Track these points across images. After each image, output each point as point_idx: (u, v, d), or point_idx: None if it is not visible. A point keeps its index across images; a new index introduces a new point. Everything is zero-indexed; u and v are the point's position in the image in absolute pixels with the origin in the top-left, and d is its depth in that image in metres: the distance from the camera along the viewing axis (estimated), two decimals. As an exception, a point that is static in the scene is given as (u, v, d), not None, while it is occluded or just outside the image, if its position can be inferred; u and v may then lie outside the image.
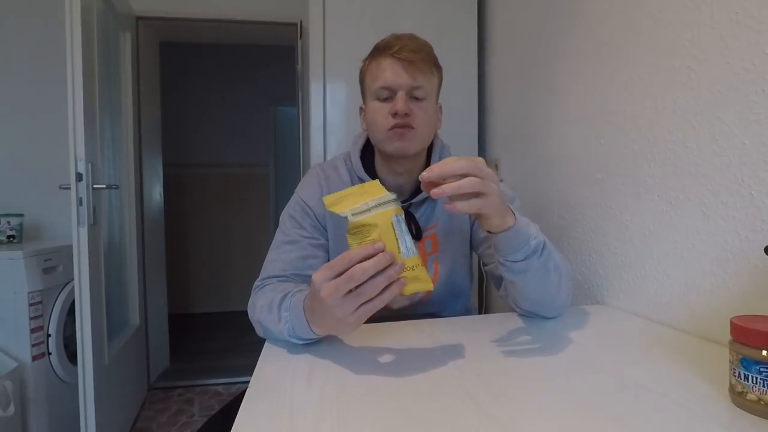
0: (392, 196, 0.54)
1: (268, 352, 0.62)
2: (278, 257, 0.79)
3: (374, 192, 0.54)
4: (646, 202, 0.79)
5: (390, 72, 0.76)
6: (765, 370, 0.40)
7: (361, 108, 0.87)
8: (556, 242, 1.05)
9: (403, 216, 0.54)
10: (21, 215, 1.79)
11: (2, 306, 1.46)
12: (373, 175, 0.85)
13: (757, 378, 0.41)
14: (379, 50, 0.78)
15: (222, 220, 3.75)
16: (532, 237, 0.62)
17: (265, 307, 0.66)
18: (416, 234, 0.83)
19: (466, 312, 0.92)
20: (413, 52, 0.75)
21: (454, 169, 0.53)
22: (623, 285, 0.85)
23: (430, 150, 0.86)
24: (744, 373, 0.42)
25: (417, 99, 0.77)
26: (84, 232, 1.41)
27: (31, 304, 1.48)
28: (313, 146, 1.41)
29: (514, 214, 0.61)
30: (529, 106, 1.21)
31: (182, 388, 2.31)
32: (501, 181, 0.89)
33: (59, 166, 1.85)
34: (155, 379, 2.38)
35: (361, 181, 0.85)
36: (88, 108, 1.43)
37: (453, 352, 0.60)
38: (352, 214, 0.51)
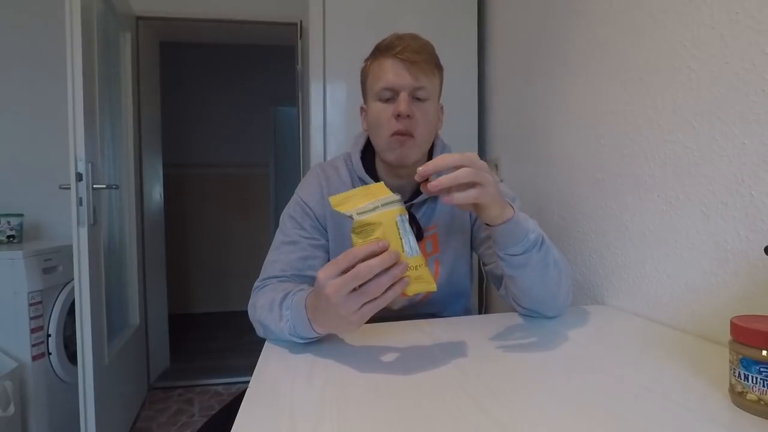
0: (397, 197, 0.55)
1: (268, 352, 0.62)
2: (278, 258, 0.79)
3: (379, 193, 0.55)
4: (646, 202, 0.79)
5: (392, 73, 0.75)
6: (765, 370, 0.40)
7: (362, 108, 0.87)
8: (556, 242, 1.05)
9: (407, 216, 0.54)
10: (21, 215, 1.79)
11: (2, 306, 1.46)
12: (373, 175, 0.85)
13: (757, 378, 0.41)
14: (381, 50, 0.78)
15: (222, 220, 3.75)
16: (531, 231, 0.63)
17: (266, 306, 0.66)
18: (417, 234, 0.83)
19: (466, 312, 0.92)
20: (416, 52, 0.74)
21: (448, 162, 0.54)
22: (623, 285, 0.85)
23: (431, 151, 0.86)
24: (744, 373, 0.42)
25: (419, 100, 0.77)
26: (84, 232, 1.41)
27: (31, 304, 1.48)
28: (313, 146, 1.41)
29: (512, 207, 0.62)
30: (529, 106, 1.21)
31: (182, 388, 2.31)
32: (501, 181, 0.89)
33: (59, 166, 1.85)
34: (155, 379, 2.38)
35: (362, 181, 0.85)
36: (88, 108, 1.43)
37: (453, 352, 0.60)
38: (357, 213, 0.52)
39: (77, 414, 1.44)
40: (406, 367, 0.56)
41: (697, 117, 0.68)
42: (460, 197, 0.54)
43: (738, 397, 0.43)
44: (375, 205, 0.53)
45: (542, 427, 0.40)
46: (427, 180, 0.55)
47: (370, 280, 0.49)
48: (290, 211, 0.84)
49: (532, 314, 0.75)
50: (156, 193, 2.52)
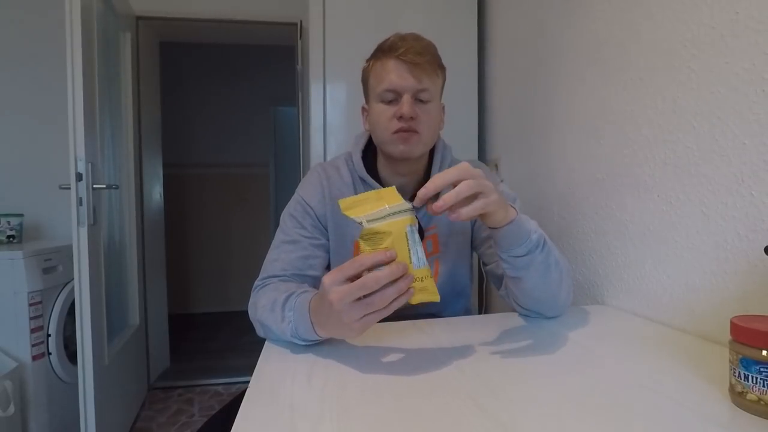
0: (408, 204, 0.54)
1: (268, 352, 0.62)
2: (278, 257, 0.79)
3: (391, 199, 0.54)
4: (646, 202, 0.79)
5: (395, 74, 0.75)
6: (765, 370, 0.40)
7: (363, 108, 0.87)
8: (556, 242, 1.05)
9: (417, 226, 0.53)
10: (21, 215, 1.79)
11: (2, 306, 1.46)
12: (374, 175, 0.85)
13: (757, 378, 0.41)
14: (384, 51, 0.77)
15: (222, 220, 3.75)
16: (533, 231, 0.63)
17: (268, 306, 0.66)
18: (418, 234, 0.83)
19: (466, 312, 0.92)
20: (418, 54, 0.74)
21: (446, 179, 0.53)
22: (623, 285, 0.85)
23: (432, 151, 0.86)
24: (744, 373, 0.42)
25: (422, 101, 0.77)
26: (84, 232, 1.41)
27: (31, 304, 1.48)
28: (313, 146, 1.41)
29: (515, 208, 0.62)
30: (529, 106, 1.21)
31: (182, 388, 2.31)
32: (501, 181, 0.89)
33: (59, 166, 1.85)
34: (155, 379, 2.38)
35: (363, 180, 0.85)
36: (88, 108, 1.43)
37: (453, 352, 0.60)
38: (367, 221, 0.51)
39: (77, 414, 1.44)
40: (406, 367, 0.56)
41: (697, 117, 0.68)
42: (466, 212, 0.53)
43: (738, 397, 0.43)
44: (385, 213, 0.52)
45: (542, 427, 0.40)
46: (431, 195, 0.54)
47: (375, 291, 0.49)
48: (291, 210, 0.84)
49: (532, 314, 0.75)
50: (156, 193, 2.52)
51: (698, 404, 0.44)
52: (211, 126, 3.71)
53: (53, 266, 1.61)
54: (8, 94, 1.98)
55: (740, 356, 0.42)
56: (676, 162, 0.72)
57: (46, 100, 1.98)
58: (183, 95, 3.64)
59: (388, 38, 0.78)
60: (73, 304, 1.56)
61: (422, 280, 0.52)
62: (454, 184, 0.53)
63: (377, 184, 0.83)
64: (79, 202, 1.40)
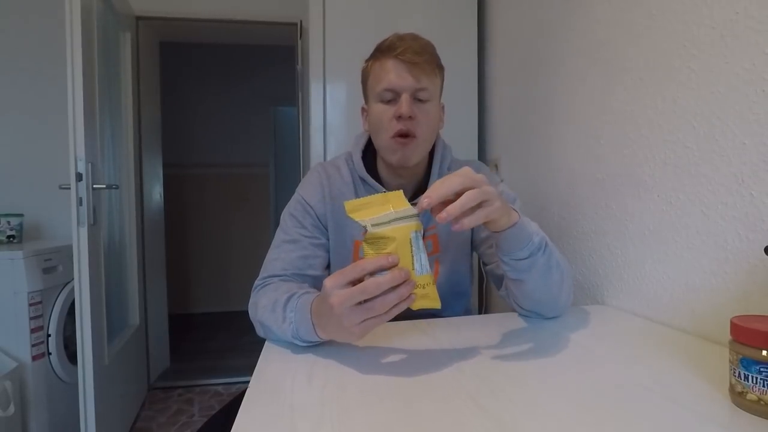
0: (414, 210, 0.53)
1: (268, 352, 0.62)
2: (279, 256, 0.79)
3: (397, 203, 0.53)
4: (646, 202, 0.79)
5: (394, 74, 0.75)
6: (765, 370, 0.40)
7: (363, 108, 0.87)
8: (556, 242, 1.05)
9: (422, 232, 0.53)
10: (21, 215, 1.79)
11: (2, 306, 1.46)
12: (374, 175, 0.85)
13: (757, 378, 0.41)
14: (382, 51, 0.77)
15: (222, 220, 3.75)
16: (534, 234, 0.63)
17: (269, 306, 0.66)
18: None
19: (466, 312, 0.92)
20: (417, 53, 0.74)
21: (451, 188, 0.52)
22: (623, 285, 0.85)
23: (432, 151, 0.86)
24: (744, 373, 0.42)
25: (421, 101, 0.77)
26: (84, 232, 1.41)
27: (31, 304, 1.48)
28: (313, 146, 1.41)
29: (516, 211, 0.61)
30: (529, 106, 1.21)
31: (182, 388, 2.31)
32: (501, 181, 0.89)
33: (59, 166, 1.85)
34: (155, 379, 2.38)
35: (363, 180, 0.85)
36: (88, 108, 1.43)
37: (453, 352, 0.60)
38: (372, 225, 0.51)
39: (77, 414, 1.44)
40: (406, 367, 0.56)
41: (697, 117, 0.68)
42: (470, 221, 0.53)
43: (738, 397, 0.43)
44: (391, 218, 0.51)
45: (543, 427, 0.40)
46: (434, 205, 0.53)
47: (376, 296, 0.49)
48: (291, 209, 0.84)
49: (532, 315, 0.75)
50: (156, 193, 2.52)
51: (698, 404, 0.44)
52: (211, 126, 3.71)
53: (53, 266, 1.61)
54: (8, 94, 1.98)
55: (740, 356, 0.42)
56: (676, 162, 0.72)
57: (46, 100, 1.98)
58: (183, 95, 3.64)
59: (387, 38, 0.78)
60: (73, 304, 1.56)
61: (424, 287, 0.52)
62: (458, 193, 0.52)
63: (377, 184, 0.83)
64: (79, 202, 1.40)
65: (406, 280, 0.49)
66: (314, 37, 1.40)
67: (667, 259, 0.74)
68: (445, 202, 0.52)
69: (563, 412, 0.43)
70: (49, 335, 1.55)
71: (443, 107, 0.86)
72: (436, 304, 0.53)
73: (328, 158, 1.40)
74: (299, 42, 2.12)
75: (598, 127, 0.92)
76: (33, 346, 1.48)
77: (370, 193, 0.84)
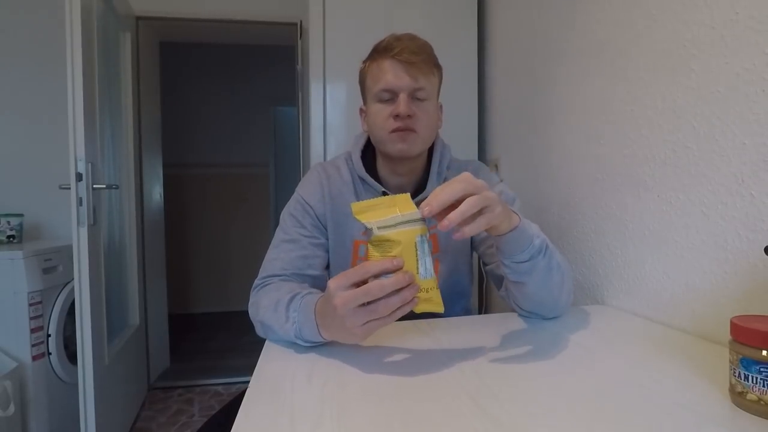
0: (420, 214, 0.52)
1: (268, 352, 0.62)
2: (278, 256, 0.79)
3: (404, 207, 0.53)
4: (646, 202, 0.79)
5: (391, 74, 0.75)
6: (765, 370, 0.40)
7: (361, 109, 0.87)
8: (556, 242, 1.05)
9: (428, 236, 0.53)
10: (21, 215, 1.79)
11: (2, 306, 1.46)
12: (374, 175, 0.85)
13: (757, 378, 0.41)
14: (380, 52, 0.78)
15: (222, 220, 3.75)
16: (535, 236, 0.62)
17: (271, 306, 0.66)
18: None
19: (467, 312, 0.92)
20: (414, 53, 0.74)
21: (452, 194, 0.52)
22: (623, 285, 0.85)
23: (431, 151, 0.86)
24: (744, 373, 0.42)
25: (419, 100, 0.77)
26: (84, 232, 1.41)
27: (31, 304, 1.48)
28: (313, 146, 1.41)
29: (517, 214, 0.61)
30: (529, 106, 1.21)
31: (182, 388, 2.31)
32: (501, 181, 0.89)
33: (59, 166, 1.85)
34: (155, 379, 2.38)
35: (363, 180, 0.85)
36: (88, 108, 1.43)
37: (453, 352, 0.60)
38: (378, 228, 0.51)
39: (77, 414, 1.44)
40: (406, 367, 0.56)
41: (697, 117, 0.68)
42: (471, 229, 0.52)
43: (738, 397, 0.43)
44: (397, 221, 0.52)
45: (542, 427, 0.40)
46: (436, 213, 0.52)
47: (380, 298, 0.49)
48: (291, 209, 0.84)
49: (532, 316, 0.75)
50: (156, 193, 2.52)
51: (698, 404, 0.44)
52: (211, 126, 3.71)
53: (53, 266, 1.61)
54: (8, 94, 1.98)
55: (740, 356, 0.42)
56: (676, 162, 0.72)
57: (46, 100, 1.98)
58: (183, 95, 3.64)
59: (384, 39, 0.78)
60: (73, 304, 1.56)
61: (428, 291, 0.52)
62: (459, 199, 0.52)
63: (376, 184, 0.83)
64: (79, 202, 1.40)
65: (410, 284, 0.49)
66: (314, 37, 1.40)
67: (667, 259, 0.74)
68: (447, 208, 0.52)
69: (563, 411, 0.43)
70: (49, 335, 1.55)
71: (441, 107, 0.86)
72: (440, 309, 0.53)
73: (328, 158, 1.40)
74: (299, 42, 2.12)
75: (598, 127, 0.92)
76: (33, 346, 1.48)
77: (370, 193, 0.84)
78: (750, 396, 0.42)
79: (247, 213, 3.77)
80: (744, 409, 0.42)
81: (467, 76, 1.48)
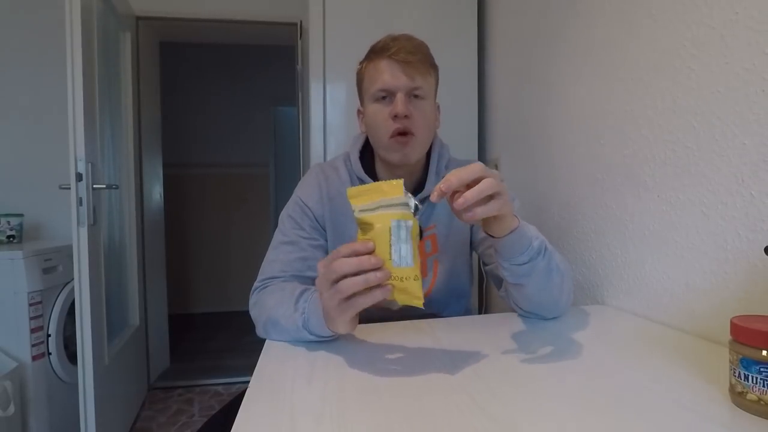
0: (404, 199, 0.52)
1: (268, 351, 0.62)
2: (277, 258, 0.79)
3: (390, 192, 0.52)
4: (646, 202, 0.79)
5: (388, 74, 0.76)
6: (765, 370, 0.40)
7: (359, 110, 0.87)
8: (556, 242, 1.05)
9: (411, 223, 0.51)
10: (21, 215, 1.79)
11: (2, 306, 1.46)
12: (372, 175, 0.85)
13: (757, 378, 0.41)
14: (376, 52, 0.78)
15: (222, 220, 3.75)
16: (534, 238, 0.62)
17: (277, 301, 0.67)
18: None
19: (466, 312, 0.92)
20: (410, 53, 0.75)
21: (472, 174, 0.52)
22: (623, 285, 0.85)
23: (429, 150, 0.86)
24: (744, 373, 0.42)
25: (416, 98, 0.77)
26: (84, 232, 1.41)
27: (31, 304, 1.48)
28: (313, 146, 1.41)
29: (516, 216, 0.61)
30: (529, 106, 1.21)
31: (182, 388, 2.31)
32: (501, 180, 0.89)
33: (59, 166, 1.85)
34: (155, 379, 2.38)
35: (361, 181, 0.85)
36: (88, 108, 1.43)
37: (453, 352, 0.60)
38: (360, 210, 0.52)
39: (77, 414, 1.44)
40: (407, 367, 0.56)
41: (697, 117, 0.68)
42: (482, 211, 0.52)
43: (738, 397, 0.43)
44: (378, 205, 0.51)
45: (542, 427, 0.40)
46: (454, 189, 0.52)
47: (345, 277, 0.49)
48: (289, 211, 0.84)
49: (532, 316, 0.75)
50: (156, 193, 2.52)
51: (698, 404, 0.44)
52: (211, 126, 3.71)
53: (53, 266, 1.61)
54: (8, 94, 1.98)
55: (740, 356, 0.42)
56: (676, 162, 0.72)
57: (46, 100, 1.98)
58: (183, 95, 3.63)
59: (380, 39, 0.79)
60: (73, 304, 1.56)
61: (402, 280, 0.50)
62: (470, 184, 0.52)
63: (375, 184, 0.83)
64: (79, 202, 1.40)
65: (378, 268, 0.49)
66: (314, 37, 1.40)
67: (667, 259, 0.74)
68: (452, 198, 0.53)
69: (563, 411, 0.43)
70: (49, 335, 1.55)
71: (438, 107, 0.86)
72: (418, 302, 0.51)
73: (328, 158, 1.40)
74: (299, 42, 2.12)
75: (598, 127, 0.92)
76: (33, 346, 1.48)
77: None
78: (750, 396, 0.42)
79: (247, 213, 3.77)
80: (744, 409, 0.42)
81: (467, 76, 1.48)
